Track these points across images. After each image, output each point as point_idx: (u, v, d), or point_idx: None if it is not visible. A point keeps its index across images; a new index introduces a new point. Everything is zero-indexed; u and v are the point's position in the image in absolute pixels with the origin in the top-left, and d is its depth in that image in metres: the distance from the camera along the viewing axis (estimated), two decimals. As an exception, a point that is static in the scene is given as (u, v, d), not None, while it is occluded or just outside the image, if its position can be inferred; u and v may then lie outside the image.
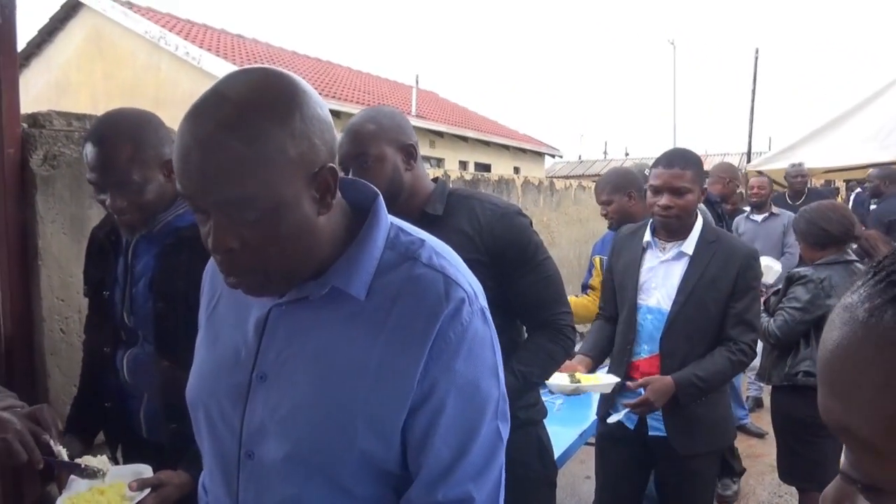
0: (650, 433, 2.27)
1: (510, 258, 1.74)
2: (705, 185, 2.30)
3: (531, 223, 1.84)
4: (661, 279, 2.28)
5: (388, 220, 1.00)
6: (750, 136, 19.51)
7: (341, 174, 0.93)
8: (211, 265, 1.13)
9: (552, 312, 1.81)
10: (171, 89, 12.17)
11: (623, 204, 3.15)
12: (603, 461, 2.47)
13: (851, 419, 0.39)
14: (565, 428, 2.46)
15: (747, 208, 5.29)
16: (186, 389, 1.07)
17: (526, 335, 1.88)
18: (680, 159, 2.23)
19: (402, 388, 0.90)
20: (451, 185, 1.86)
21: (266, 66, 0.90)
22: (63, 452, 1.42)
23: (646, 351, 2.30)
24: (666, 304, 2.24)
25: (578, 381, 2.22)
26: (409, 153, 1.74)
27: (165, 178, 1.63)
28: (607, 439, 2.44)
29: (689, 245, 2.26)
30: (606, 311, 2.49)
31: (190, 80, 12.28)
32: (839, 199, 15.58)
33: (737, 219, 5.19)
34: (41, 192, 2.04)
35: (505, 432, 0.98)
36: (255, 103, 0.83)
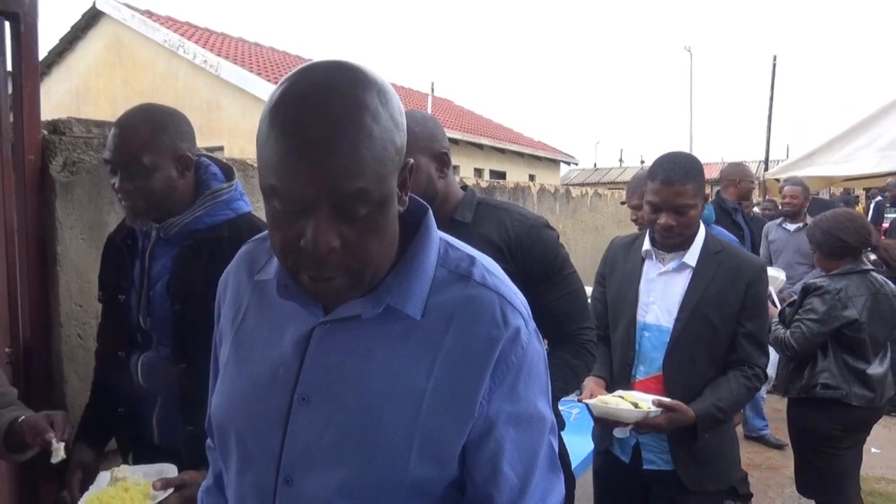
0: (645, 467, 2.09)
1: (538, 271, 1.73)
2: (707, 192, 2.11)
3: (558, 236, 1.82)
4: (659, 293, 2.09)
5: (438, 235, 0.96)
6: (767, 144, 19.36)
7: None
8: (230, 273, 1.07)
9: (576, 327, 1.80)
10: (189, 97, 12.29)
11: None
12: (600, 498, 2.29)
13: None
14: (582, 437, 2.44)
15: (756, 209, 5.20)
16: (213, 409, 1.01)
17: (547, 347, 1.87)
18: (679, 174, 1.98)
19: (461, 413, 0.86)
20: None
21: (337, 59, 0.84)
22: (60, 450, 1.45)
23: (642, 372, 2.10)
24: (666, 320, 2.05)
25: (637, 405, 1.93)
26: (443, 161, 1.72)
27: (178, 174, 1.65)
28: (604, 475, 2.27)
29: (692, 256, 2.06)
30: (601, 330, 2.20)
31: (208, 87, 12.41)
32: (859, 208, 15.42)
33: (768, 224, 5.09)
34: (60, 198, 2.05)
35: (556, 446, 0.97)
36: (364, 91, 0.78)
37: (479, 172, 17.47)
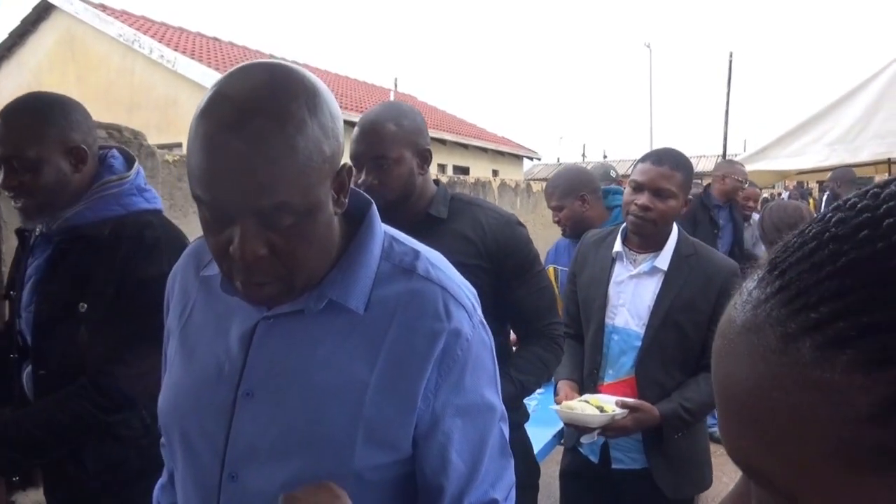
0: (614, 466, 2.07)
1: (510, 267, 1.75)
2: (690, 196, 2.06)
3: (528, 233, 1.86)
4: (629, 296, 2.04)
5: (383, 229, 0.97)
6: (725, 139, 19.72)
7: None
8: (178, 270, 1.07)
9: (546, 322, 1.85)
10: (145, 93, 12.05)
11: (576, 209, 2.82)
12: (567, 500, 2.26)
13: (766, 464, 0.34)
14: (540, 428, 2.47)
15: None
16: (160, 405, 1.00)
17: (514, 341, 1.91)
18: (671, 159, 1.97)
19: (404, 405, 0.88)
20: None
21: (273, 61, 0.84)
22: None
23: (610, 376, 2.07)
24: (634, 324, 2.02)
25: (603, 409, 1.92)
26: (425, 157, 1.75)
27: (71, 168, 1.52)
28: (571, 475, 2.24)
29: (664, 259, 2.01)
30: (573, 329, 2.20)
31: (165, 83, 12.16)
32: (811, 201, 15.82)
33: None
34: (4, 198, 2.01)
35: (507, 433, 1.00)
36: (291, 101, 0.77)
37: (442, 168, 17.48)
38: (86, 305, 1.49)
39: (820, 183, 14.37)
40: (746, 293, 0.36)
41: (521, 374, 1.78)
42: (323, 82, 0.85)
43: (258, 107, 0.76)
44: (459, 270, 1.63)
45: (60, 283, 1.52)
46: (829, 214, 0.34)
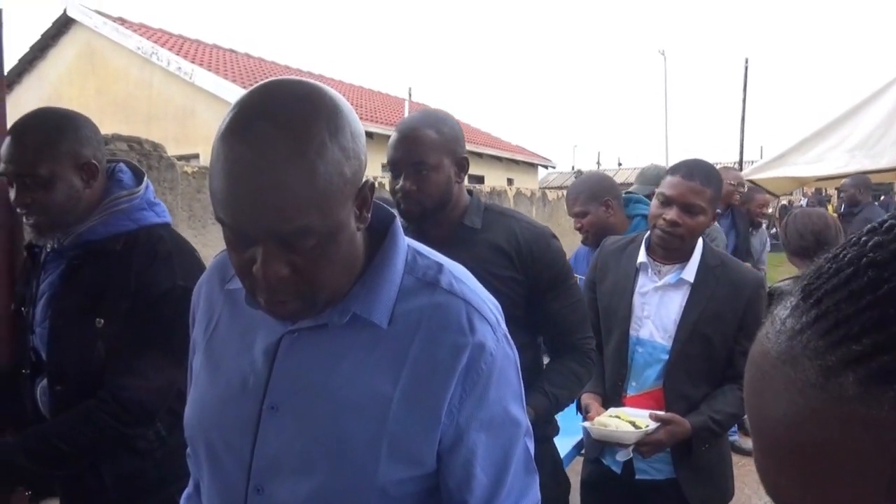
0: (638, 477, 2.02)
1: (545, 280, 1.73)
2: (718, 210, 2.04)
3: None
4: (654, 308, 2.00)
5: (406, 243, 0.97)
6: (741, 145, 19.58)
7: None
8: (204, 282, 1.07)
9: (579, 336, 1.83)
10: (163, 104, 12.19)
11: (600, 215, 2.77)
12: None
13: (804, 499, 0.32)
14: (560, 439, 2.45)
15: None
16: (185, 418, 1.01)
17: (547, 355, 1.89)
18: (702, 173, 1.92)
19: (428, 419, 0.88)
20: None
21: (298, 78, 0.84)
22: None
23: (633, 388, 2.03)
24: (660, 337, 1.98)
25: (635, 424, 1.87)
26: (462, 166, 1.74)
27: (83, 183, 1.52)
28: (592, 486, 2.17)
29: (690, 271, 1.97)
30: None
31: (182, 94, 12.30)
32: (830, 208, 15.67)
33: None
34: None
35: (532, 449, 0.99)
36: (312, 125, 0.77)
37: (457, 177, 17.51)
38: (102, 320, 1.49)
39: (839, 190, 14.26)
40: (780, 322, 0.34)
41: (556, 388, 1.75)
42: (344, 98, 0.85)
43: (278, 131, 0.76)
44: (492, 282, 1.65)
45: (75, 298, 1.52)
46: (865, 237, 0.33)
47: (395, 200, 1.70)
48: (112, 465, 1.54)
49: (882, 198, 13.60)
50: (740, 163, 18.79)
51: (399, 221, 0.98)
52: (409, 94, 20.91)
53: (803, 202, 15.54)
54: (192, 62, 12.71)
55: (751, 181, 10.01)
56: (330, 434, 0.88)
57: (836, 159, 8.78)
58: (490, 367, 0.90)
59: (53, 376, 1.54)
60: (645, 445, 1.86)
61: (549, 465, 1.82)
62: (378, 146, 14.63)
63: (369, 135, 13.87)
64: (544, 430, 1.79)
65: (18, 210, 1.50)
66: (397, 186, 1.66)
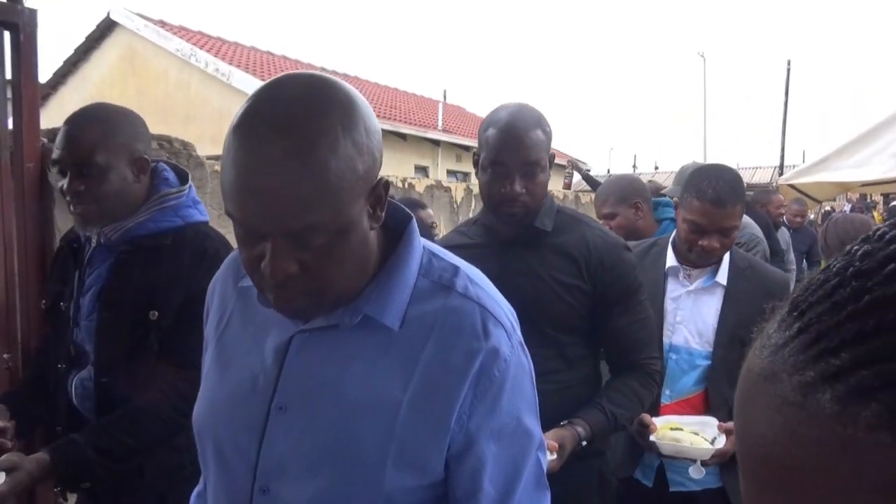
0: (672, 489, 1.94)
1: (614, 293, 1.65)
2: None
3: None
4: (687, 313, 1.94)
5: (422, 244, 0.94)
6: (782, 149, 19.22)
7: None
8: (219, 279, 1.06)
9: (645, 356, 1.73)
10: (201, 105, 12.40)
11: (629, 217, 2.69)
12: None
13: None
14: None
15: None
16: (194, 416, 1.00)
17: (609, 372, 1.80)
18: (730, 194, 1.83)
19: (438, 425, 0.85)
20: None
21: (312, 72, 0.83)
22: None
23: (667, 396, 1.95)
24: (696, 343, 1.92)
25: (699, 434, 1.79)
26: (552, 162, 1.67)
27: (133, 177, 1.55)
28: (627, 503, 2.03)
29: (723, 274, 1.93)
30: None
31: (220, 96, 12.50)
32: (876, 214, 15.22)
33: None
34: (59, 206, 2.06)
35: (545, 463, 0.96)
36: (324, 119, 0.76)
37: (490, 179, 17.48)
38: (157, 313, 1.51)
39: (885, 196, 13.84)
40: (766, 336, 0.32)
41: (615, 407, 1.63)
42: (360, 94, 0.83)
43: (290, 126, 0.75)
44: (556, 288, 1.61)
45: (126, 291, 1.54)
46: (856, 247, 0.31)
47: (495, 202, 1.60)
48: (153, 460, 1.55)
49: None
50: (781, 167, 18.42)
51: (415, 222, 0.95)
52: (444, 96, 20.95)
53: (847, 208, 15.14)
54: (230, 64, 12.91)
55: (791, 186, 9.81)
56: (337, 437, 0.86)
57: (882, 164, 8.51)
58: (504, 374, 0.87)
59: (100, 369, 1.55)
60: (714, 458, 1.77)
61: (594, 480, 1.73)
62: (412, 147, 14.72)
63: (402, 136, 13.91)
64: (599, 442, 1.69)
65: (68, 198, 1.52)
66: (505, 189, 1.56)
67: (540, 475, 0.94)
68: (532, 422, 0.93)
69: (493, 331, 0.87)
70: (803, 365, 0.29)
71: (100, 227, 1.55)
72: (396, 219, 0.94)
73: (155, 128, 1.87)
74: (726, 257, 1.95)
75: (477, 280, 0.93)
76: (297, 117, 0.75)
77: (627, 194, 2.75)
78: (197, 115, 12.36)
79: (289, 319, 0.89)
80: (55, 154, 1.51)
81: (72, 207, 1.53)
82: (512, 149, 1.55)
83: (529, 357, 0.95)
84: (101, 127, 1.51)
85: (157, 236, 1.56)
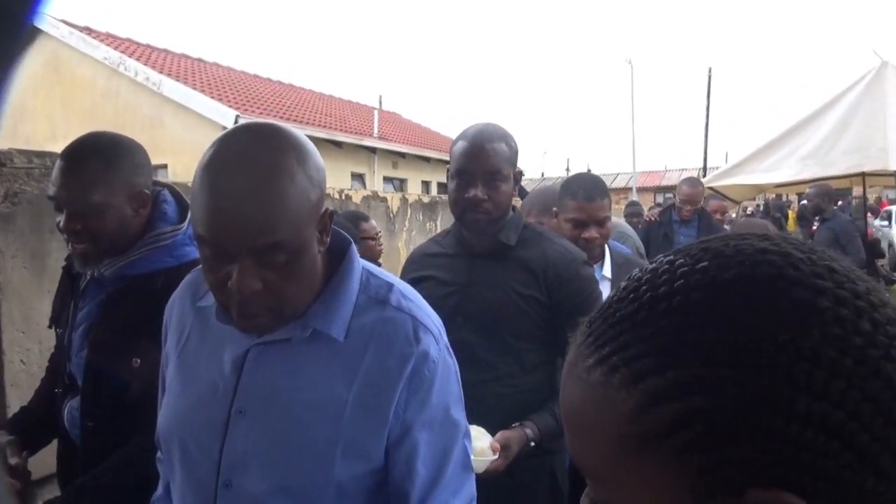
0: None
1: (571, 304, 1.70)
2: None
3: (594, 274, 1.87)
4: None
5: (360, 265, 1.09)
6: (705, 152, 20.02)
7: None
8: (176, 299, 1.18)
9: None
10: (130, 115, 12.12)
11: (552, 225, 2.79)
12: None
13: (584, 456, 0.48)
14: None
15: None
16: (160, 423, 1.11)
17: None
18: (599, 190, 2.19)
19: (379, 421, 0.99)
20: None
21: (268, 122, 0.99)
22: None
23: None
24: None
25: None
26: (518, 180, 1.80)
27: (133, 213, 1.48)
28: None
29: (607, 268, 2.23)
30: None
31: (150, 105, 12.26)
32: (791, 213, 16.05)
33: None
34: (2, 228, 2.10)
35: (470, 450, 1.12)
36: (282, 156, 0.91)
37: (426, 185, 17.63)
38: (139, 360, 1.44)
39: (799, 195, 14.66)
40: (575, 337, 0.50)
41: None
42: (306, 138, 0.99)
43: (255, 161, 0.90)
44: (516, 299, 1.74)
45: (113, 334, 1.48)
46: (624, 282, 0.49)
47: (460, 209, 1.73)
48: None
49: (840, 202, 14.02)
50: (704, 169, 19.20)
51: (354, 246, 1.10)
52: (380, 103, 21.02)
53: (750, 209, 15.93)
54: (160, 72, 12.67)
55: (712, 188, 10.31)
56: (292, 434, 0.99)
57: (791, 167, 9.12)
58: (433, 373, 1.03)
59: (86, 412, 1.50)
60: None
61: (545, 478, 1.82)
62: (347, 155, 14.73)
63: (338, 144, 13.91)
64: (548, 443, 1.73)
65: (65, 236, 1.46)
66: (468, 195, 1.69)
67: (466, 460, 1.10)
68: (458, 413, 1.09)
69: (423, 337, 1.03)
70: (587, 355, 0.47)
71: (99, 264, 1.50)
72: (337, 241, 1.08)
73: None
74: (608, 254, 2.26)
75: (408, 295, 1.09)
76: (260, 154, 0.91)
77: (549, 204, 2.94)
78: (126, 124, 12.05)
79: (243, 334, 1.02)
80: (51, 190, 1.45)
81: (69, 246, 1.47)
82: (475, 158, 1.69)
83: (455, 358, 1.11)
84: (98, 162, 1.43)
85: (148, 278, 1.49)
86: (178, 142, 11.75)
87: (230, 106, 12.10)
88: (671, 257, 0.48)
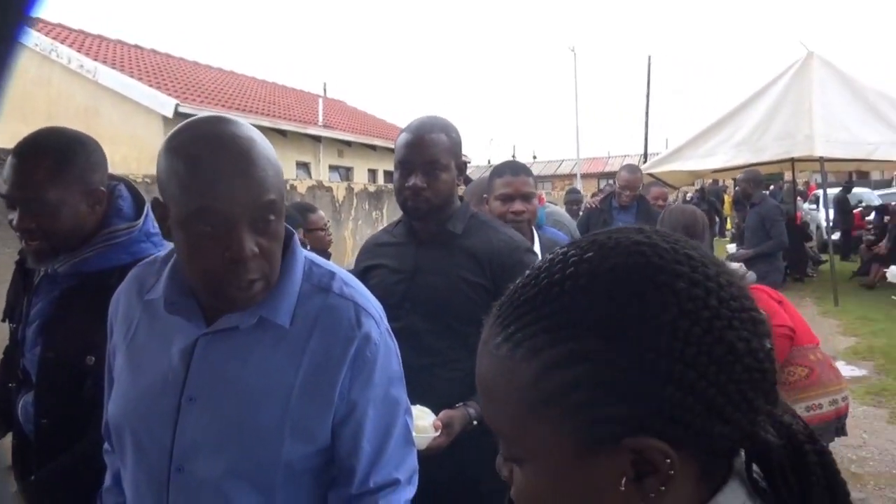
0: None
1: None
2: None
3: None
4: None
5: (303, 255, 1.15)
6: (646, 139, 20.51)
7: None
8: (122, 293, 1.20)
9: None
10: (64, 103, 11.71)
11: (486, 212, 3.11)
12: None
13: (496, 419, 0.57)
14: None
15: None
16: (110, 413, 1.14)
17: None
18: (523, 169, 2.43)
19: (325, 402, 1.06)
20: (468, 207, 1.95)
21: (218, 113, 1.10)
22: None
23: None
24: None
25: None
26: (462, 170, 1.88)
27: (88, 209, 1.46)
28: None
29: (537, 250, 2.28)
30: None
31: (85, 93, 11.87)
32: (726, 198, 16.61)
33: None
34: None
35: (411, 425, 1.20)
36: (252, 132, 1.02)
37: (372, 174, 17.58)
38: (93, 358, 1.41)
39: (735, 181, 15.23)
40: (489, 318, 0.59)
41: None
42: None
43: (232, 136, 1.00)
44: (461, 286, 1.82)
45: (66, 332, 1.46)
46: (529, 271, 0.57)
47: (402, 198, 1.82)
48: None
49: (771, 187, 14.58)
50: (645, 156, 19.68)
51: (297, 237, 1.15)
52: (325, 90, 20.79)
53: (689, 194, 16.43)
54: (95, 59, 12.26)
55: (651, 175, 10.61)
56: (241, 419, 1.04)
57: (725, 153, 9.50)
58: (374, 354, 1.10)
59: (40, 409, 1.48)
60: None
61: (488, 458, 1.80)
62: (292, 144, 14.56)
63: (283, 133, 13.74)
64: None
65: (19, 235, 1.44)
66: (408, 184, 1.77)
67: (408, 435, 1.17)
68: (399, 392, 1.16)
69: (364, 322, 1.10)
70: (496, 334, 0.56)
71: (53, 261, 1.48)
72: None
73: (14, 128, 1.80)
74: (536, 238, 2.39)
75: (350, 282, 1.15)
76: (234, 132, 1.00)
77: (481, 192, 3.10)
78: (60, 113, 11.66)
79: (192, 325, 1.07)
80: (3, 188, 1.41)
81: (23, 243, 1.46)
82: (415, 148, 1.78)
83: (395, 340, 1.18)
84: (52, 160, 1.40)
85: (102, 275, 1.46)
86: (115, 131, 11.40)
87: (169, 94, 11.79)
88: (565, 249, 0.57)
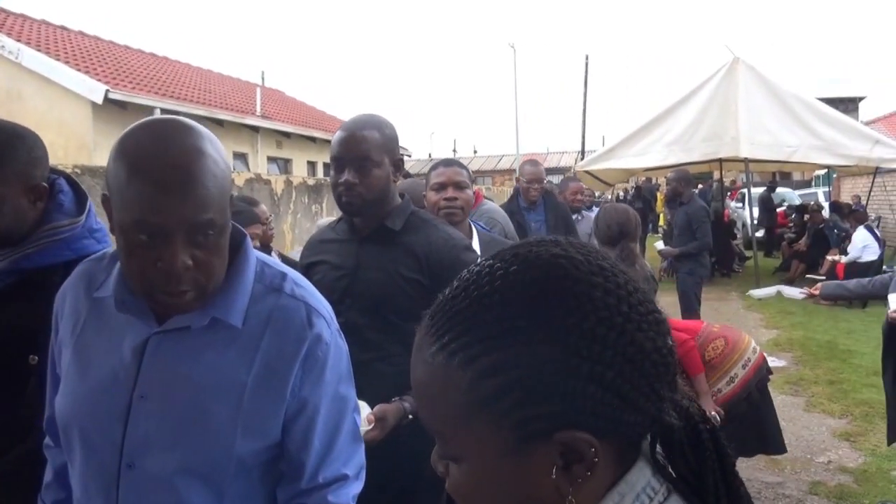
0: None
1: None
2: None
3: (478, 259, 2.00)
4: None
5: (255, 256, 1.16)
6: (583, 136, 20.90)
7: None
8: (68, 289, 1.19)
9: None
10: (-16, 86, 11.13)
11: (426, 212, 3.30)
12: None
13: (431, 420, 0.62)
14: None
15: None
16: (57, 410, 1.13)
17: None
18: (456, 162, 2.66)
19: (276, 398, 1.09)
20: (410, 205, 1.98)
21: (171, 117, 1.07)
22: None
23: None
24: None
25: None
26: (398, 166, 1.90)
27: (29, 205, 1.44)
28: None
29: (475, 246, 2.43)
30: None
31: (7, 76, 11.28)
32: (660, 195, 17.13)
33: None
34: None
35: (359, 422, 1.24)
36: (201, 142, 1.00)
37: (312, 166, 17.37)
38: (37, 358, 1.39)
39: (666, 179, 15.73)
40: (421, 326, 0.63)
41: None
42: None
43: (182, 145, 0.99)
44: (399, 282, 1.86)
45: (6, 331, 1.41)
46: (457, 282, 0.62)
47: (337, 194, 1.85)
48: None
49: (700, 186, 15.11)
50: (582, 153, 20.07)
51: (249, 238, 1.17)
52: (262, 80, 20.37)
53: (621, 193, 16.84)
54: (18, 40, 11.68)
55: (587, 172, 10.86)
56: (193, 416, 1.06)
57: (658, 153, 9.84)
58: (325, 354, 1.13)
59: None
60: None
61: (426, 447, 1.87)
62: (229, 134, 14.24)
63: (219, 122, 13.42)
64: None
65: None
66: (340, 180, 1.81)
67: (356, 431, 1.21)
68: (348, 390, 1.19)
69: (315, 322, 1.13)
70: (431, 343, 0.61)
71: None
72: (233, 234, 1.13)
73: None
74: (475, 234, 2.54)
75: (301, 283, 1.18)
76: (184, 140, 0.99)
77: (417, 194, 3.16)
78: (-21, 96, 11.10)
79: (143, 323, 1.08)
80: None
81: None
82: (346, 145, 1.81)
83: (345, 340, 1.21)
84: None
85: (44, 272, 1.43)
86: (40, 117, 10.89)
87: (98, 79, 11.33)
88: (491, 261, 0.62)
